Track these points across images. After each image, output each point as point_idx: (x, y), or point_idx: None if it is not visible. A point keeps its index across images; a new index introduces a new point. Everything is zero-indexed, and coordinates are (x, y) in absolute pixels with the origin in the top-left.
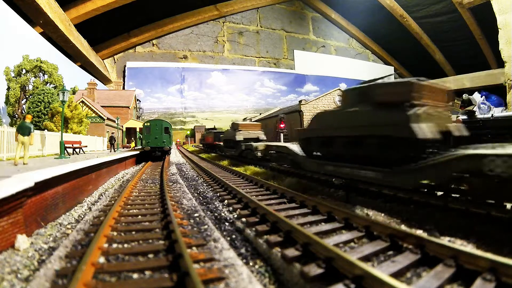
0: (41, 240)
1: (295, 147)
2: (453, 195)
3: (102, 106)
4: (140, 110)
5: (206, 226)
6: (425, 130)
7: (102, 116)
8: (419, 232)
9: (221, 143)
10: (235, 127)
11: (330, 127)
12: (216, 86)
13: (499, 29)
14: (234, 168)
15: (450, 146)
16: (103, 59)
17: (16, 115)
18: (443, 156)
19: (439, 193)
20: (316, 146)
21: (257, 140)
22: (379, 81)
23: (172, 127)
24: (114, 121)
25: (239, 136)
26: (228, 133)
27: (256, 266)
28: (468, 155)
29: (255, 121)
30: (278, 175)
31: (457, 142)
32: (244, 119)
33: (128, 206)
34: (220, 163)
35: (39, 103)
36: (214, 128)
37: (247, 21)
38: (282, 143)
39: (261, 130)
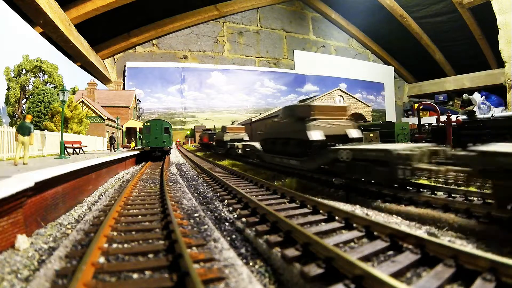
0: (41, 240)
1: (259, 145)
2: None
3: (102, 106)
4: (140, 110)
5: (206, 226)
6: (313, 134)
7: (102, 116)
8: (420, 232)
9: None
10: (224, 129)
11: (275, 132)
12: (216, 86)
13: (499, 29)
14: (234, 168)
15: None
16: (103, 59)
17: (16, 115)
18: (325, 150)
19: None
20: (269, 145)
21: (241, 140)
22: (309, 101)
23: (172, 127)
24: (114, 121)
25: (227, 137)
26: (219, 134)
27: (256, 266)
28: (332, 149)
29: (255, 121)
30: (278, 175)
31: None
32: (232, 123)
33: (128, 206)
34: (221, 163)
35: (39, 103)
36: (209, 130)
37: (247, 21)
38: (252, 143)
39: (245, 132)
